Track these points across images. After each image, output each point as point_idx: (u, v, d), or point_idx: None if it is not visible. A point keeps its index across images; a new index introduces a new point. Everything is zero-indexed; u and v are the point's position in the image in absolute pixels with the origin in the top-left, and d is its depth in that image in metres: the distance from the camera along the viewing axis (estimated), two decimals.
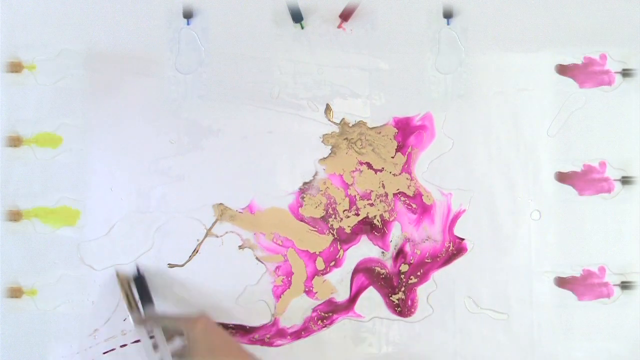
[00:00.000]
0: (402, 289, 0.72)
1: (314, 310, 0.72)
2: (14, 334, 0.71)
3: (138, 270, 0.71)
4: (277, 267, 0.72)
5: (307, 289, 0.72)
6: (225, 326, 0.72)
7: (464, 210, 0.73)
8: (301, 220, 0.73)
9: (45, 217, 0.72)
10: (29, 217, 0.72)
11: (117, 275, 0.70)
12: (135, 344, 0.71)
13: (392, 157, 0.73)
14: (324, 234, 0.73)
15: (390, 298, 0.72)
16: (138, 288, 0.70)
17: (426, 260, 0.72)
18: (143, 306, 0.69)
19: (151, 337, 0.67)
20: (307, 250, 0.73)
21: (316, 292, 0.72)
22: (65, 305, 0.72)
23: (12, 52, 0.73)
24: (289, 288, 0.72)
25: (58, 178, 0.72)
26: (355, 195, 0.73)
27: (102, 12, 0.73)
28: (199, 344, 0.64)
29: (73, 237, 0.72)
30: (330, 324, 0.72)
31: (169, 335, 0.67)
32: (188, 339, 0.64)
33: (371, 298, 0.72)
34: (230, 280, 0.72)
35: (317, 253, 0.73)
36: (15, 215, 0.72)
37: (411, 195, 0.73)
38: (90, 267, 0.72)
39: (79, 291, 0.72)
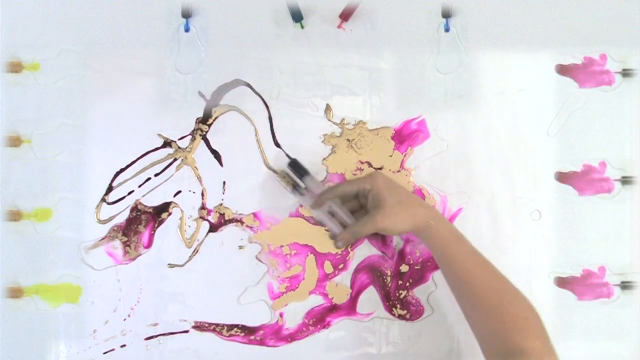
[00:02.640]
0: (397, 304, 0.72)
1: (314, 310, 0.72)
2: (14, 334, 0.72)
3: (288, 156, 0.72)
4: (292, 277, 0.72)
5: (321, 295, 0.72)
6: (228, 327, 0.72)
7: (461, 209, 0.73)
8: (316, 224, 0.72)
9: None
10: (28, 218, 0.72)
11: (276, 173, 0.72)
12: (137, 343, 0.71)
13: (390, 156, 0.73)
14: None
15: (393, 311, 0.72)
16: (297, 173, 0.71)
17: (416, 267, 0.72)
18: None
19: (332, 216, 0.70)
20: (329, 253, 0.72)
21: (332, 298, 0.72)
22: (65, 305, 0.72)
23: (12, 52, 0.73)
24: (293, 291, 0.72)
25: (58, 178, 0.72)
26: None
27: (102, 12, 0.73)
28: (385, 196, 0.66)
29: (73, 237, 0.72)
30: (329, 325, 0.72)
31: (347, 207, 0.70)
32: (372, 195, 0.66)
33: (371, 298, 0.72)
34: (230, 280, 0.72)
35: (338, 254, 0.72)
36: (15, 215, 0.72)
37: (412, 189, 0.73)
38: (90, 267, 0.72)
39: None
